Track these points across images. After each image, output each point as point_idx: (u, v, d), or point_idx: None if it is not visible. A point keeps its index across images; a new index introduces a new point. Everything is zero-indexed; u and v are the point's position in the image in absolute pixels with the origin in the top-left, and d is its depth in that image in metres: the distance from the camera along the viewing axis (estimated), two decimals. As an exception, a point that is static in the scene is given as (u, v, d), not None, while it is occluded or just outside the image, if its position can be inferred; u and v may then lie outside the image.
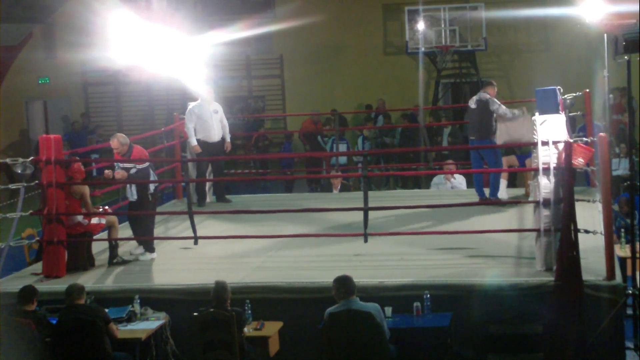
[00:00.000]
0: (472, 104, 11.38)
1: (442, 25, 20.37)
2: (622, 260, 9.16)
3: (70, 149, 16.19)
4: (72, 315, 7.62)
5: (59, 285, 8.90)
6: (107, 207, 10.04)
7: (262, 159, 20.14)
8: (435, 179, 13.70)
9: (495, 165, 11.18)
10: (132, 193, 9.61)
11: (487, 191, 11.51)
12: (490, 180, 11.42)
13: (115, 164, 9.79)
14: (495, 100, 11.13)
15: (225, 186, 13.25)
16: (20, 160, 9.41)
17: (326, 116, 19.92)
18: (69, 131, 21.94)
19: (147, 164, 9.57)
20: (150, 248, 9.74)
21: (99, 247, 10.05)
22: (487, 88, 11.34)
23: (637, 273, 8.04)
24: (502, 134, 11.13)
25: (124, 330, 7.91)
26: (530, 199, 9.02)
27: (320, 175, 16.49)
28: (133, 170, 9.53)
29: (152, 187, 9.65)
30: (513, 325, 7.99)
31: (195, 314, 7.57)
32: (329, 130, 19.08)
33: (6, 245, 9.30)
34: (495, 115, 11.16)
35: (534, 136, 8.49)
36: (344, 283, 7.39)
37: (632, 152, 9.39)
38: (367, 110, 20.87)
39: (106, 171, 9.91)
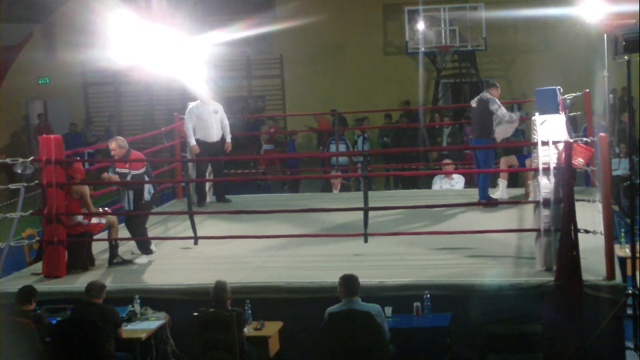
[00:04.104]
0: (474, 102, 11.47)
1: (442, 25, 20.37)
2: (622, 260, 9.15)
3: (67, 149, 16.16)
4: (77, 314, 7.64)
5: (59, 285, 8.93)
6: (106, 209, 10.04)
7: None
8: (436, 178, 13.71)
9: (485, 166, 11.20)
10: (128, 201, 9.60)
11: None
12: (479, 184, 11.42)
13: (110, 168, 9.82)
14: (497, 100, 11.18)
15: (225, 186, 13.25)
16: (20, 160, 9.41)
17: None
18: (67, 132, 21.97)
19: (142, 170, 9.54)
20: (146, 250, 9.73)
21: (99, 247, 10.05)
22: (490, 89, 11.38)
23: (637, 273, 8.04)
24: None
25: (124, 330, 7.91)
26: (530, 199, 9.02)
27: (320, 176, 16.48)
28: (129, 177, 9.52)
29: (146, 195, 9.63)
30: (513, 325, 7.99)
31: (195, 314, 7.57)
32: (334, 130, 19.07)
33: (6, 245, 9.30)
34: (494, 115, 11.22)
35: (534, 136, 8.49)
36: (347, 282, 7.39)
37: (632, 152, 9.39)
38: (366, 110, 20.85)
39: (104, 174, 9.95)
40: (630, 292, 7.90)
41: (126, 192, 9.62)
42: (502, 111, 11.12)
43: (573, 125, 14.25)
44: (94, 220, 9.51)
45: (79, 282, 8.80)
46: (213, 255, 9.71)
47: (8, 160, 9.59)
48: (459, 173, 13.45)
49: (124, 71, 20.55)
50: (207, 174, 12.59)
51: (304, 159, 19.87)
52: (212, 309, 7.52)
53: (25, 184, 9.43)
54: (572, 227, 7.96)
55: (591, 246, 8.49)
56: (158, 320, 8.24)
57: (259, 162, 18.96)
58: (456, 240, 9.56)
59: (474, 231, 9.60)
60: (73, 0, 21.51)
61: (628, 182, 8.92)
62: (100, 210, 9.75)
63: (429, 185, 14.31)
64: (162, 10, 17.35)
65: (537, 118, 8.43)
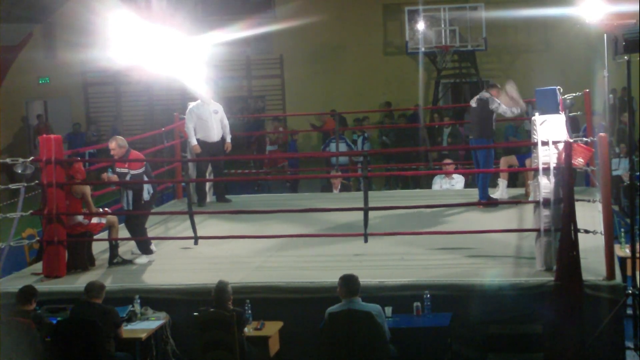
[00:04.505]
0: (473, 102, 11.46)
1: (442, 25, 20.37)
2: (622, 260, 9.16)
3: (71, 149, 16.19)
4: (76, 314, 7.65)
5: (59, 285, 8.93)
6: (107, 209, 10.04)
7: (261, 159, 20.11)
8: (436, 178, 13.72)
9: (485, 166, 11.20)
10: (127, 202, 9.60)
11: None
12: (479, 184, 11.42)
13: (109, 169, 9.84)
14: (496, 99, 11.18)
15: (225, 186, 13.25)
16: (21, 160, 9.41)
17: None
18: (71, 132, 22.00)
19: (141, 170, 9.54)
20: (146, 250, 9.73)
21: (99, 247, 10.05)
22: (490, 89, 11.38)
23: (637, 273, 8.04)
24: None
25: (124, 330, 7.91)
26: (530, 199, 9.02)
27: (320, 175, 16.48)
28: (128, 177, 9.53)
29: (146, 195, 9.63)
30: (513, 325, 7.99)
31: (195, 314, 7.57)
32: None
33: (6, 245, 9.30)
34: (495, 114, 11.24)
35: (534, 136, 8.48)
36: (347, 283, 7.39)
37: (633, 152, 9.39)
38: (366, 110, 20.86)
39: (103, 174, 9.96)
40: (630, 292, 7.90)
41: (125, 192, 9.62)
42: (502, 108, 11.15)
43: (575, 125, 14.24)
44: (94, 220, 9.51)
45: (79, 282, 8.80)
46: (213, 255, 9.71)
47: (8, 160, 9.59)
48: (459, 173, 13.45)
49: (124, 71, 20.56)
50: (207, 174, 12.59)
51: (303, 159, 19.85)
52: (212, 309, 7.52)
53: (25, 184, 9.44)
54: (572, 227, 7.96)
55: (591, 246, 8.48)
56: (158, 320, 8.24)
57: (263, 162, 18.90)
58: (456, 240, 9.56)
59: (474, 231, 9.60)
60: (73, 0, 21.54)
61: (628, 182, 8.92)
62: (101, 210, 9.75)
63: (429, 185, 14.31)
64: (162, 10, 17.36)
65: (537, 118, 8.43)
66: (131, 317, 8.20)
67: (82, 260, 9.45)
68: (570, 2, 12.01)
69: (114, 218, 9.72)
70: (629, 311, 8.15)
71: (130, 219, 9.71)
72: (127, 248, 9.99)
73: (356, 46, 22.64)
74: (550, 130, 8.27)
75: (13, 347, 7.41)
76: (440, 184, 13.52)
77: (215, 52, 17.12)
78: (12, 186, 9.66)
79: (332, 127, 18.70)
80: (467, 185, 13.68)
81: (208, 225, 10.96)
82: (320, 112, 19.91)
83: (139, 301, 8.34)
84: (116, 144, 9.59)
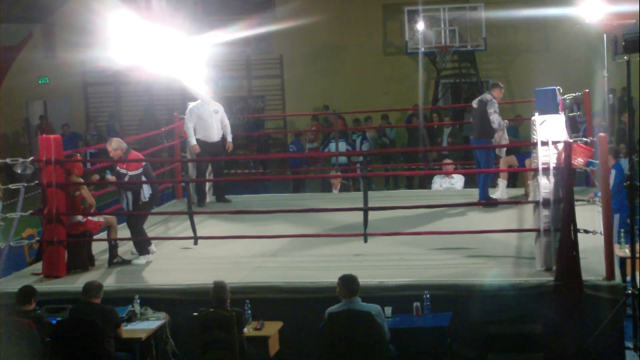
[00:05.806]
0: (475, 103, 11.44)
1: (442, 26, 20.38)
2: (622, 260, 9.16)
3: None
4: (76, 314, 7.65)
5: (59, 285, 8.93)
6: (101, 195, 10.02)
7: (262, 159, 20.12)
8: (436, 177, 13.72)
9: (485, 166, 11.19)
10: (127, 203, 9.61)
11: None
12: (479, 184, 11.40)
13: (107, 171, 9.85)
14: (495, 103, 11.11)
15: (225, 186, 13.24)
16: (20, 160, 9.41)
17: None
18: (61, 134, 21.95)
19: (139, 170, 9.53)
20: (143, 251, 9.72)
21: (98, 247, 10.05)
22: (493, 89, 11.36)
23: (637, 273, 8.04)
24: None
25: (124, 330, 7.91)
26: (530, 199, 9.02)
27: (320, 175, 16.49)
28: (126, 178, 9.52)
29: (146, 195, 9.62)
30: (513, 325, 7.99)
31: (195, 314, 7.57)
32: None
33: (6, 245, 9.30)
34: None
35: (533, 136, 8.48)
36: (347, 283, 7.39)
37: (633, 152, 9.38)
38: (367, 110, 20.85)
39: (94, 176, 9.97)
40: (630, 292, 7.90)
41: (124, 193, 9.62)
42: (494, 117, 11.06)
43: (575, 125, 14.25)
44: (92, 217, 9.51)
45: (79, 282, 8.78)
46: (213, 255, 9.71)
47: (8, 160, 9.59)
48: (459, 173, 13.45)
49: (124, 71, 20.56)
50: (207, 174, 12.59)
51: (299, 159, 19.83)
52: (212, 309, 7.52)
53: (25, 184, 9.44)
54: (572, 227, 7.96)
55: (591, 246, 8.49)
56: (158, 320, 8.24)
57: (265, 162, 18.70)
58: (456, 240, 9.56)
59: (474, 231, 9.60)
60: (73, 0, 21.54)
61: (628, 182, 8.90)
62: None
63: (428, 185, 14.31)
64: (162, 10, 17.36)
65: (537, 118, 8.42)
66: (131, 317, 8.20)
67: (81, 261, 9.44)
68: (570, 2, 12.03)
69: (112, 218, 9.72)
70: (629, 311, 8.15)
71: (130, 219, 9.71)
72: (127, 248, 9.99)
73: (356, 46, 22.65)
74: (549, 130, 8.27)
75: (13, 347, 7.42)
76: (440, 183, 13.53)
77: (215, 52, 17.12)
78: (12, 186, 9.66)
79: (340, 127, 18.66)
80: (467, 184, 13.66)
81: (208, 225, 10.96)
82: (320, 112, 19.87)
83: (138, 301, 8.34)
84: (114, 145, 9.59)
